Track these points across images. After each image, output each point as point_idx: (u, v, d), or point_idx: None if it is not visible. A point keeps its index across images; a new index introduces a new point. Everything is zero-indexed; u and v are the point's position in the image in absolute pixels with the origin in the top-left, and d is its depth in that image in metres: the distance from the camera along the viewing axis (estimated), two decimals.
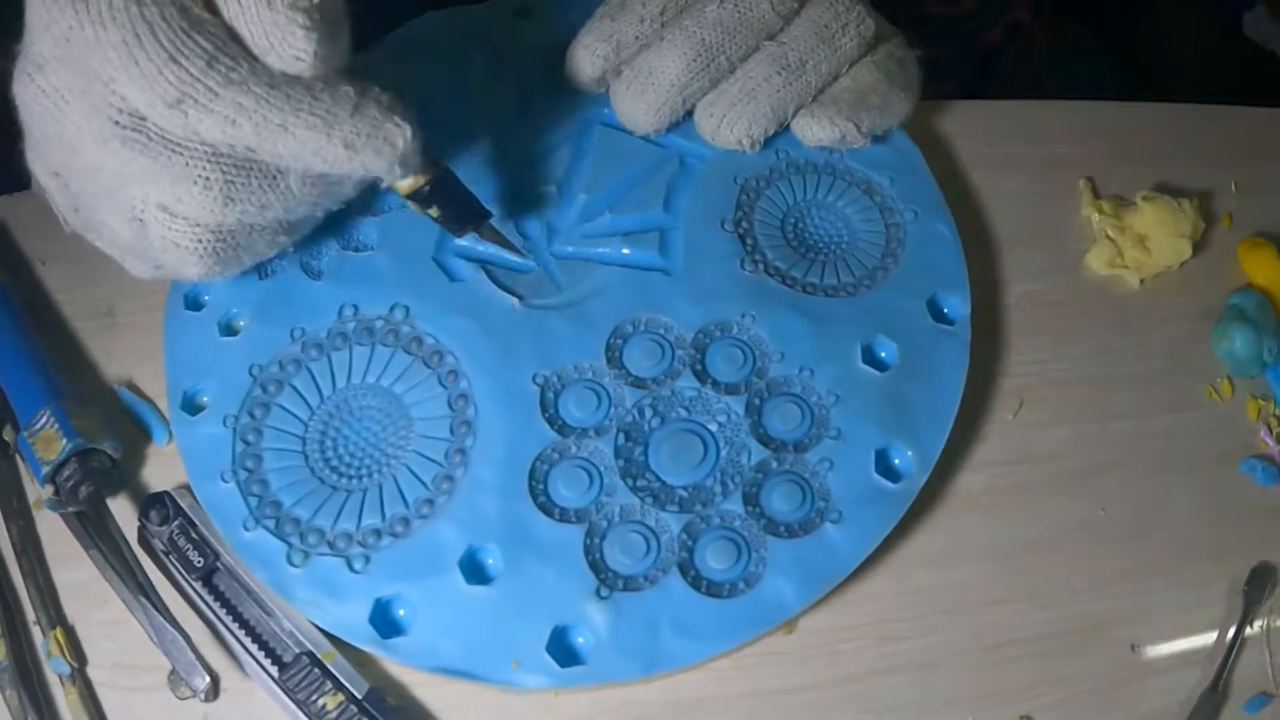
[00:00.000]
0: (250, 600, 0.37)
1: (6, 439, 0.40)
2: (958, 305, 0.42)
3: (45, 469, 0.37)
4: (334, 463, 0.39)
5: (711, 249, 0.42)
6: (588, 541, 0.37)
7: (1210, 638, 0.39)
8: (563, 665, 0.35)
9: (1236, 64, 0.85)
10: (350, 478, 0.38)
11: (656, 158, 0.44)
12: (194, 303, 0.41)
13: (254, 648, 0.37)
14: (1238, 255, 0.46)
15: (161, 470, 0.41)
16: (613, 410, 0.39)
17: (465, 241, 0.41)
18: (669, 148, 0.44)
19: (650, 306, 0.41)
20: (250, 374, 0.39)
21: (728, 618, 0.36)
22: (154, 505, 0.38)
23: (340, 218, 0.41)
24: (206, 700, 0.36)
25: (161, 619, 0.35)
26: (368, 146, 0.32)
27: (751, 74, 0.41)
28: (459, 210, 0.38)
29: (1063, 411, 0.43)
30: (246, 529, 0.37)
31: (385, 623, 0.36)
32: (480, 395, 0.39)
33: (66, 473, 0.38)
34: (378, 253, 0.41)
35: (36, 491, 0.40)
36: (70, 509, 0.38)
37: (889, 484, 0.38)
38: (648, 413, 0.39)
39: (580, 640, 0.36)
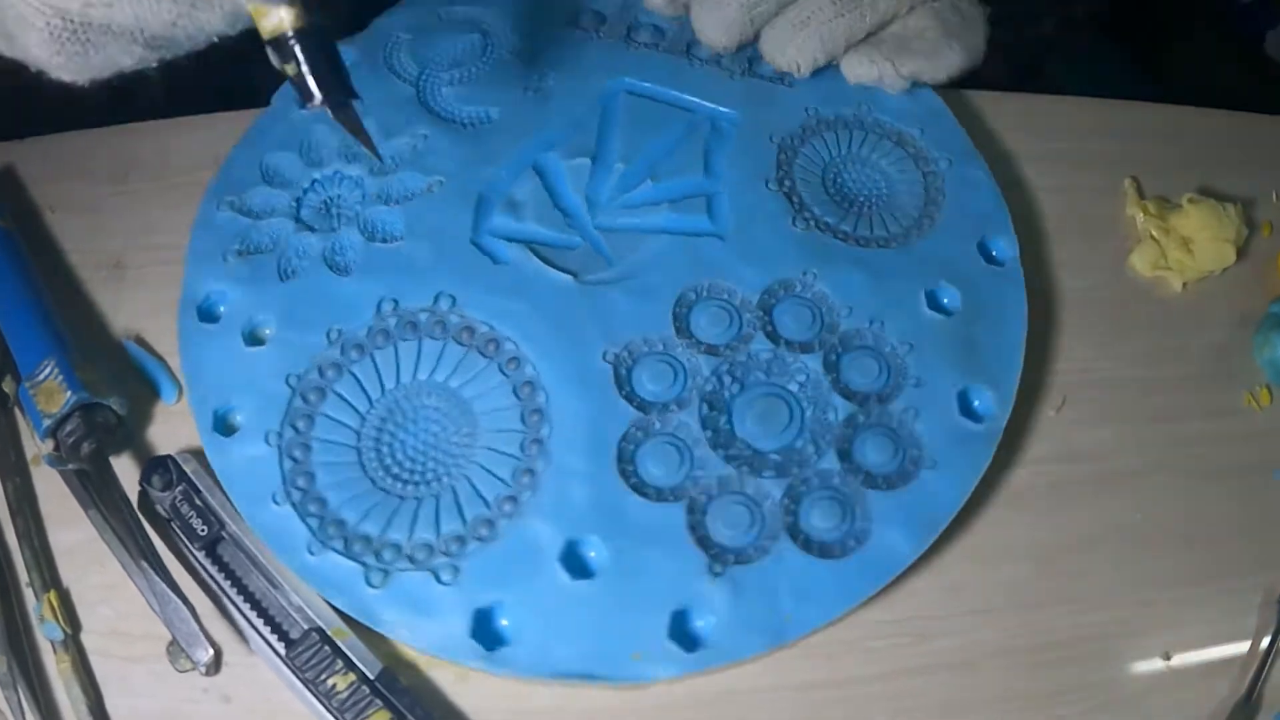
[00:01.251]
0: (256, 572, 0.35)
1: (6, 390, 0.38)
2: (1005, 247, 0.42)
3: (47, 423, 0.36)
4: (395, 470, 0.36)
5: (760, 209, 0.41)
6: (690, 518, 0.35)
7: (1243, 649, 0.38)
8: (688, 651, 0.34)
9: (1258, 83, 0.84)
10: (417, 484, 0.36)
11: (687, 123, 0.43)
12: (209, 315, 0.39)
13: (259, 622, 0.35)
14: (1278, 264, 0.46)
15: (169, 430, 0.39)
16: (690, 381, 0.38)
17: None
18: (698, 111, 0.44)
19: (709, 272, 0.40)
20: (288, 384, 0.37)
21: (845, 577, 0.35)
22: (156, 469, 0.37)
23: (355, 208, 0.40)
24: (208, 674, 0.35)
25: (164, 586, 0.34)
26: None
27: (807, 3, 0.42)
28: (324, 74, 0.32)
29: (1104, 411, 0.42)
30: (312, 553, 0.35)
31: (488, 635, 0.34)
32: (549, 380, 0.37)
33: (69, 427, 0.36)
34: (407, 242, 0.40)
35: (35, 448, 0.39)
36: (70, 466, 0.36)
37: (974, 425, 0.38)
38: (726, 380, 0.38)
39: (701, 623, 0.34)
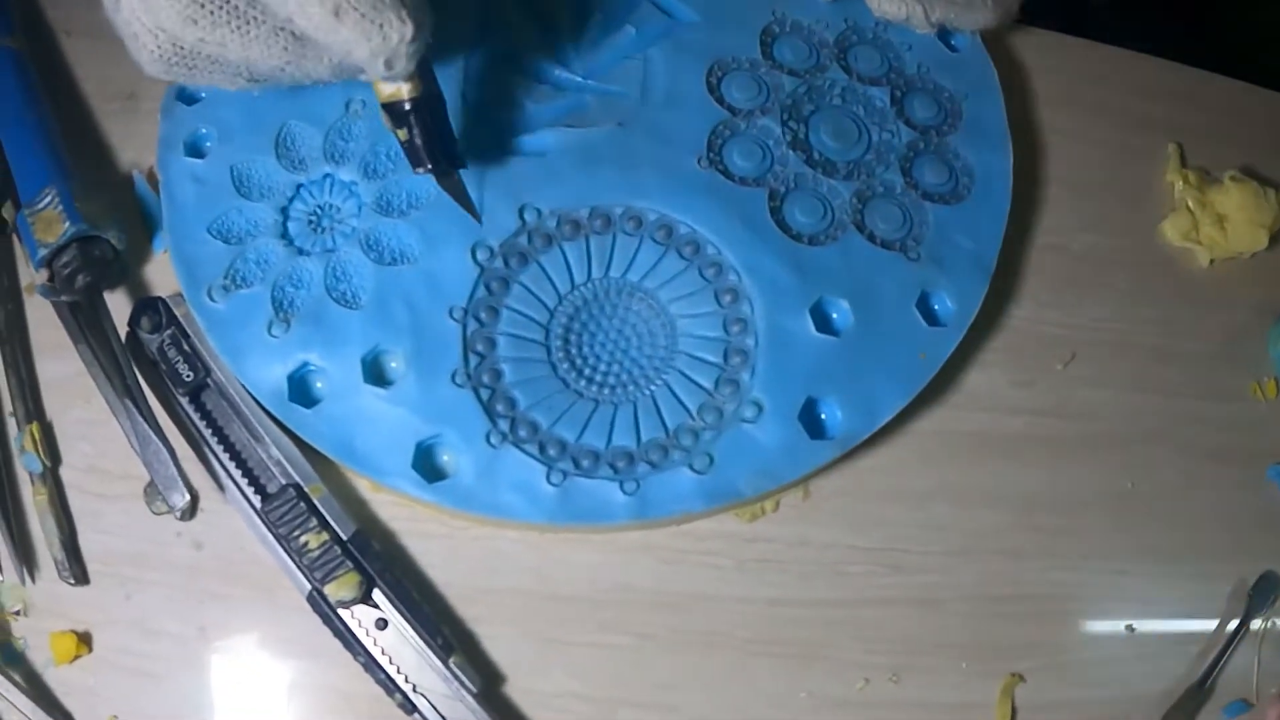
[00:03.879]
0: (238, 423, 0.35)
1: (5, 216, 0.38)
2: None
3: (43, 252, 0.35)
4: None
5: None
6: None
7: (1205, 635, 0.39)
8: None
9: None
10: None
11: None
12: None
13: (237, 473, 0.35)
14: None
15: (166, 271, 0.38)
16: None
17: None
18: None
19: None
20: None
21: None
22: (146, 310, 0.36)
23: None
24: (182, 519, 0.35)
25: (146, 427, 0.33)
26: (357, 24, 0.29)
27: None
28: (433, 144, 0.34)
29: (1110, 373, 0.41)
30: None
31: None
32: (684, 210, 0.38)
33: (65, 258, 0.35)
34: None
35: (29, 276, 0.38)
36: (64, 298, 0.36)
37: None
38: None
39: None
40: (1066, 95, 0.46)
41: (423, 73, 0.32)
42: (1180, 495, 0.40)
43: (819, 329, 0.37)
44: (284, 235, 0.37)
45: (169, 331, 0.36)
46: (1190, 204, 0.44)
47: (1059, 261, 0.42)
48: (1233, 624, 0.38)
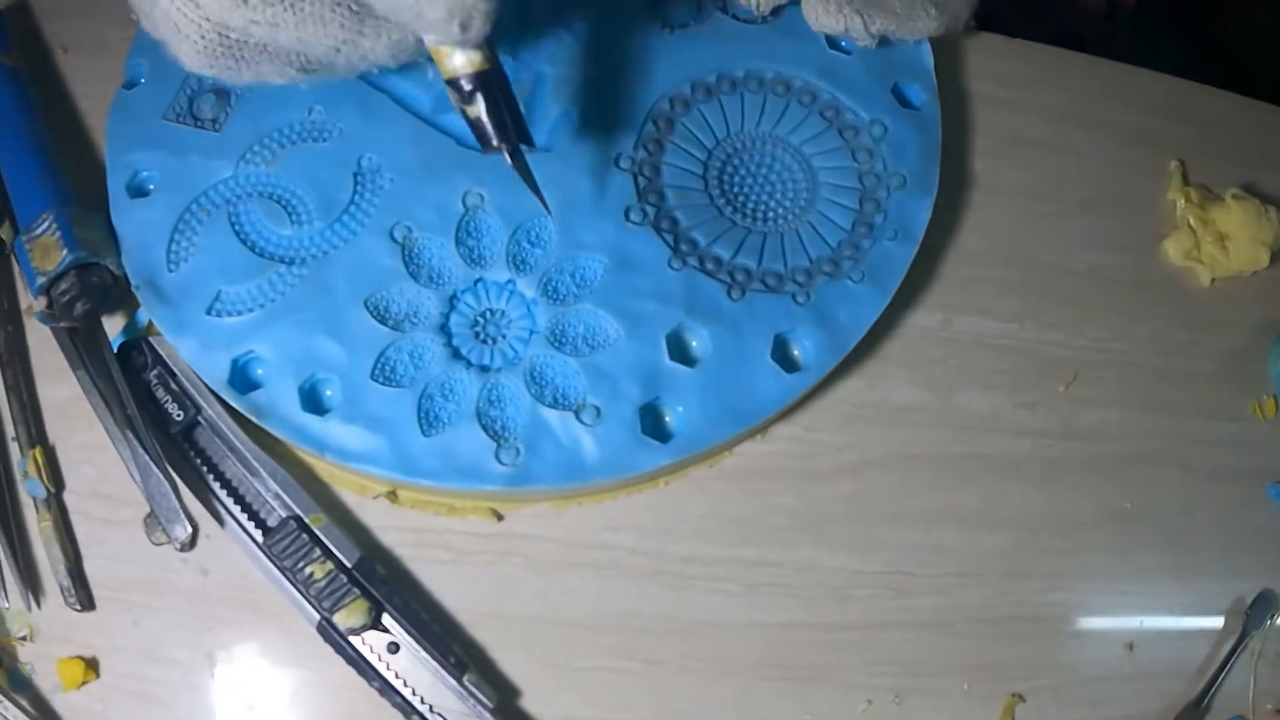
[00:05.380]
0: (233, 458, 0.35)
1: (4, 237, 0.37)
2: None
3: (41, 280, 0.35)
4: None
5: None
6: None
7: (1203, 653, 0.39)
8: None
9: None
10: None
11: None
12: None
13: (236, 509, 0.35)
14: None
15: None
16: None
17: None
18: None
19: None
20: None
21: None
22: (129, 353, 0.36)
23: None
24: (182, 550, 0.35)
25: (147, 458, 0.33)
26: None
27: None
28: (501, 119, 0.32)
29: (1111, 394, 0.42)
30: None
31: None
32: None
33: (63, 286, 0.35)
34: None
35: (29, 298, 0.38)
36: (62, 324, 0.35)
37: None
38: None
39: None
40: (1067, 112, 0.46)
41: (490, 43, 0.30)
42: (1180, 515, 0.40)
43: None
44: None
45: (155, 371, 0.36)
46: (1192, 222, 0.44)
47: (1061, 281, 0.42)
48: (1230, 642, 0.39)
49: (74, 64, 0.42)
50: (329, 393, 0.35)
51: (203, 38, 0.30)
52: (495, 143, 0.32)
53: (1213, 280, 0.44)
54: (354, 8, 0.30)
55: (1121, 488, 0.40)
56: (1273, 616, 0.39)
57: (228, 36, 0.30)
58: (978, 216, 0.43)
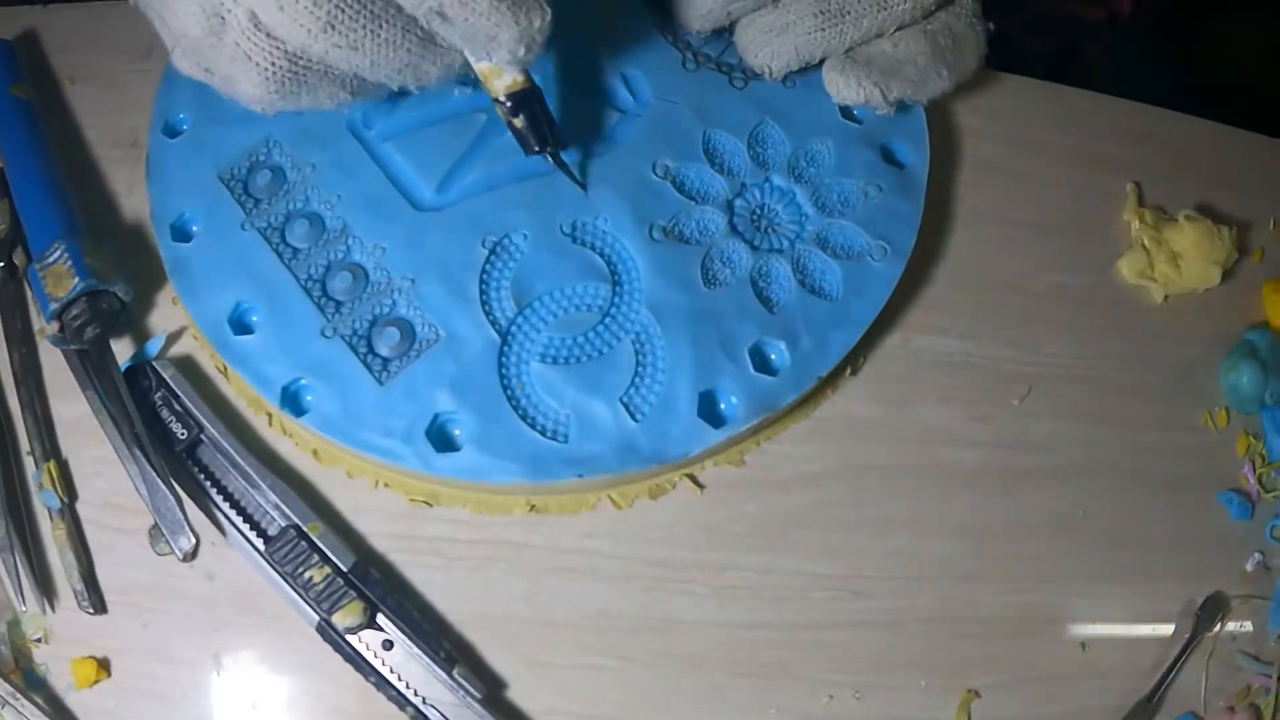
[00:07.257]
0: (234, 473, 0.37)
1: (17, 262, 0.40)
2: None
3: (53, 305, 0.37)
4: None
5: None
6: None
7: (1154, 652, 0.41)
8: None
9: None
10: None
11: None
12: None
13: (239, 520, 0.37)
14: (1262, 293, 0.46)
15: (168, 318, 0.40)
16: None
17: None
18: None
19: None
20: None
21: None
22: (135, 377, 0.38)
23: None
24: (185, 560, 0.37)
25: (154, 474, 0.35)
26: (511, 8, 0.30)
27: (789, 8, 0.40)
28: (540, 127, 0.37)
29: (1065, 407, 0.43)
30: None
31: None
32: None
33: (74, 311, 0.37)
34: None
35: (42, 320, 0.40)
36: (73, 347, 0.38)
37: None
38: None
39: None
40: (1027, 137, 0.48)
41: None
42: (1133, 521, 0.42)
43: None
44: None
45: (159, 393, 0.38)
46: (1146, 242, 0.45)
47: (1019, 300, 0.44)
48: (1181, 642, 0.41)
49: (82, 95, 0.44)
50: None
51: (273, 65, 0.31)
52: (537, 148, 0.37)
53: (1166, 298, 0.46)
54: (420, 34, 0.32)
55: (1074, 496, 0.42)
56: (1223, 617, 0.41)
57: (301, 63, 0.31)
58: (939, 240, 0.45)
